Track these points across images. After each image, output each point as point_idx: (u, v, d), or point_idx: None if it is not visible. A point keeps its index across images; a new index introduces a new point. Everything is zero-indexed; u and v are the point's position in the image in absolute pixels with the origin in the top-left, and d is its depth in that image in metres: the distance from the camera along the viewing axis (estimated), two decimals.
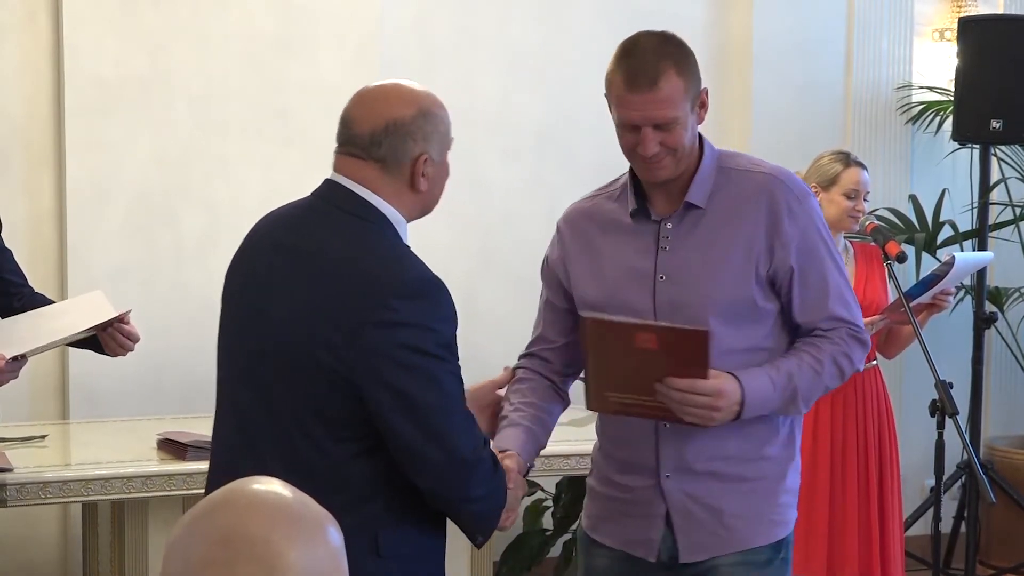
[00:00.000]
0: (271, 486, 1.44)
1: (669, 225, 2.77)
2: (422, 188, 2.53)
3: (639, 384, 2.63)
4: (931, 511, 4.50)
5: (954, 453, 5.20)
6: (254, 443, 2.46)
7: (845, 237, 4.58)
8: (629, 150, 2.72)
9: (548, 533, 5.32)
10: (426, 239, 5.68)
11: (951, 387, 4.15)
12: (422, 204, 2.58)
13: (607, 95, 2.73)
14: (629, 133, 2.69)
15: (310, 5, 5.38)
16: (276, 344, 2.44)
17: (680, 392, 2.59)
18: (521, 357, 3.01)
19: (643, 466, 2.79)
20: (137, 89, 5.18)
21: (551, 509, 5.35)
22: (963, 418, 5.04)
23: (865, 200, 4.52)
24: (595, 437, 4.39)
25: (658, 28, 6.44)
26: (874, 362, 4.60)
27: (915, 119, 6.32)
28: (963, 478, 5.66)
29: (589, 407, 2.76)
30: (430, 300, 2.44)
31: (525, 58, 5.83)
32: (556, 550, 5.36)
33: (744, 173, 2.79)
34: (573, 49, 5.90)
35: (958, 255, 4.56)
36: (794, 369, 2.71)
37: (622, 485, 2.84)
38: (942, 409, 4.17)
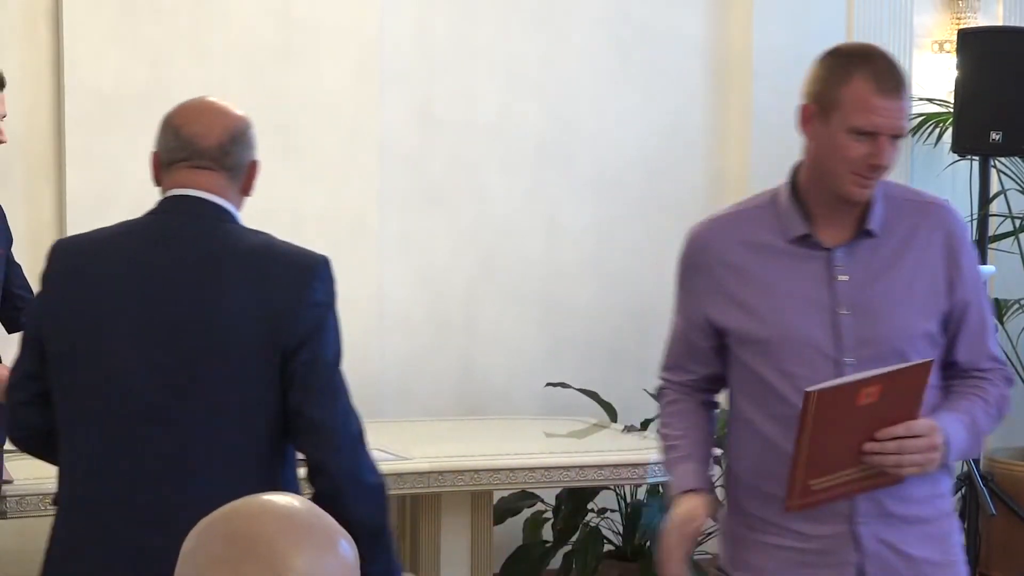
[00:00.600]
0: (284, 497, 1.48)
1: (840, 253, 2.59)
2: (251, 193, 2.69)
3: (849, 455, 2.47)
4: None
5: (954, 465, 5.20)
6: (189, 452, 2.50)
7: None
8: (852, 160, 2.51)
9: (548, 545, 5.31)
10: (426, 248, 5.72)
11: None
12: (241, 207, 2.70)
13: (827, 101, 2.55)
14: (859, 142, 2.50)
15: (311, 17, 5.40)
16: (210, 349, 2.51)
17: (898, 441, 2.46)
18: (663, 377, 2.85)
19: (834, 512, 2.58)
20: (137, 101, 5.19)
21: (551, 521, 5.35)
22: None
23: None
24: (595, 450, 4.40)
25: (659, 40, 6.52)
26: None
27: (914, 131, 6.31)
28: (963, 490, 5.68)
29: (790, 507, 2.50)
30: (332, 281, 2.60)
31: (525, 69, 5.84)
32: (556, 562, 5.36)
33: (912, 203, 2.66)
34: (573, 60, 5.91)
35: None
36: (973, 411, 2.62)
37: (802, 533, 2.61)
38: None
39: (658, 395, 2.87)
